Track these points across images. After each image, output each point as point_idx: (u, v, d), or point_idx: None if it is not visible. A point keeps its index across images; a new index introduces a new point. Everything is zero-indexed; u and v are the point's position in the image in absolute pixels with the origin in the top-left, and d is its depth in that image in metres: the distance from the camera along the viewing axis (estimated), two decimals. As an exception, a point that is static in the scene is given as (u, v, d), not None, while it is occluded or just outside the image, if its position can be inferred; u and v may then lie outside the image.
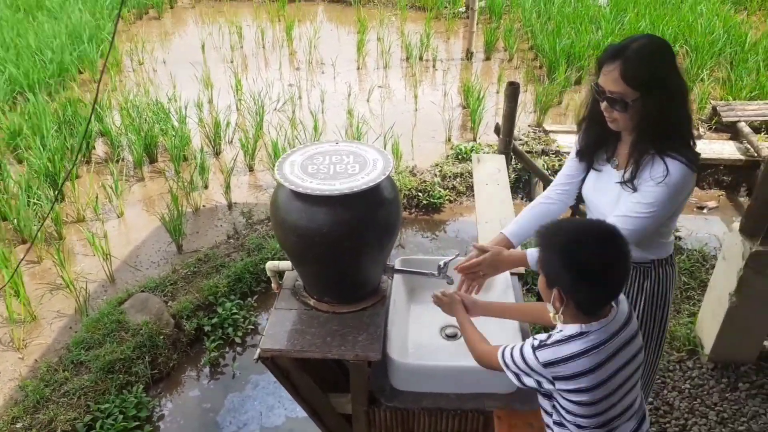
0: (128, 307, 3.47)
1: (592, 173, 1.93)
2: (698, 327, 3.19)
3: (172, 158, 5.03)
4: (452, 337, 2.05)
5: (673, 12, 7.87)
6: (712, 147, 5.03)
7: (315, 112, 5.93)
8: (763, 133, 5.15)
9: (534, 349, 1.43)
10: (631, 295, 1.97)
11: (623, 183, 1.76)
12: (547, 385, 1.44)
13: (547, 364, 1.40)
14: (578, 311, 1.41)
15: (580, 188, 1.97)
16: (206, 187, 4.92)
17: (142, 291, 3.66)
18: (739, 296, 2.79)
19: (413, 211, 4.74)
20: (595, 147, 1.88)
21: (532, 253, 1.79)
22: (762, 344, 3.01)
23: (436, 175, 5.02)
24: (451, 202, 4.84)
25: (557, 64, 6.65)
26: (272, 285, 2.13)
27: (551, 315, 1.47)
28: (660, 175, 1.68)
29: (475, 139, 5.73)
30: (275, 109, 6.20)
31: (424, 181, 4.89)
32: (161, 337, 3.31)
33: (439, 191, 4.79)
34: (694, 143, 1.75)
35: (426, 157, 5.37)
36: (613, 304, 1.46)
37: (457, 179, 4.96)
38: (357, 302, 1.95)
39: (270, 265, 2.10)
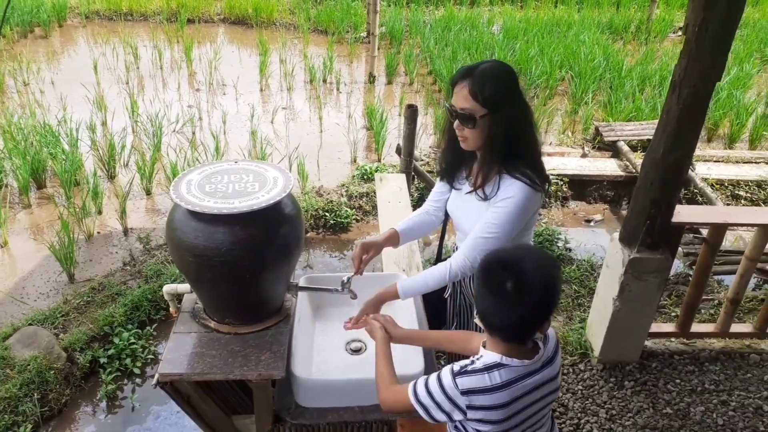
0: (14, 342, 3.22)
1: (453, 192, 2.05)
2: (588, 331, 3.41)
3: (63, 183, 4.75)
4: (357, 351, 2.07)
5: (559, 41, 8.47)
6: (596, 164, 5.44)
7: (216, 133, 5.82)
8: (639, 151, 5.64)
9: (454, 375, 1.40)
10: None
11: (482, 201, 1.87)
12: (457, 416, 1.41)
13: (466, 392, 1.38)
14: (500, 339, 1.39)
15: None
16: (100, 212, 4.68)
17: (30, 324, 3.40)
18: (621, 300, 3.02)
19: (320, 231, 4.75)
20: (454, 167, 2.00)
21: (402, 285, 1.92)
22: (643, 344, 3.27)
23: (342, 195, 5.07)
24: (357, 221, 4.89)
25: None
26: (170, 309, 2.07)
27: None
28: (506, 196, 1.78)
29: (379, 160, 5.85)
30: (174, 130, 6.03)
31: (331, 201, 4.92)
32: (51, 372, 3.09)
33: (346, 211, 4.84)
34: (541, 164, 1.85)
35: (332, 178, 5.41)
36: (540, 344, 1.45)
37: (363, 199, 5.03)
38: (260, 322, 1.93)
39: (167, 288, 2.04)
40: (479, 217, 1.85)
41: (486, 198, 1.83)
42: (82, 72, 7.37)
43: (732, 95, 6.76)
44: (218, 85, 7.42)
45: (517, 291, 1.32)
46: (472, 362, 1.42)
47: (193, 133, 5.99)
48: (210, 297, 1.90)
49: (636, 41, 9.41)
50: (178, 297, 2.08)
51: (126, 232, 4.51)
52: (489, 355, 1.41)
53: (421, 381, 1.47)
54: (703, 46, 2.43)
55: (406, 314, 2.11)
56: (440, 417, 1.43)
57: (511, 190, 1.77)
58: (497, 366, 1.39)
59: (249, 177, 1.83)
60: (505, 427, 1.42)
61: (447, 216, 2.12)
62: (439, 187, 2.11)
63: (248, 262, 1.72)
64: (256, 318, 1.93)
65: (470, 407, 1.38)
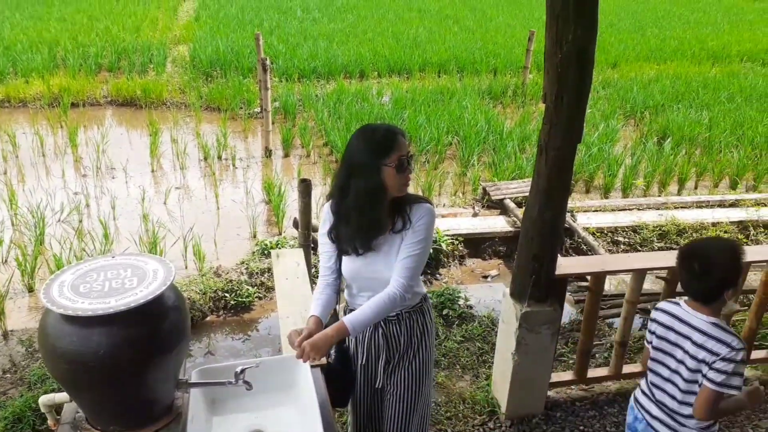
0: None
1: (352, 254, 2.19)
2: (493, 388, 3.48)
3: (-74, 288, 4.33)
4: (258, 441, 1.99)
5: (444, 108, 8.98)
6: (487, 222, 5.71)
7: (105, 219, 5.57)
8: (524, 207, 5.98)
9: (735, 347, 1.96)
10: (415, 335, 2.29)
11: (397, 233, 2.13)
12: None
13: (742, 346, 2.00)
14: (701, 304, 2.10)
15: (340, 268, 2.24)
16: (-27, 316, 4.29)
17: None
18: (519, 354, 3.12)
19: (221, 313, 4.60)
20: (385, 221, 2.17)
21: (350, 319, 2.06)
22: (546, 395, 3.38)
23: (242, 273, 4.96)
24: (260, 299, 4.79)
25: (350, 157, 7.11)
26: (49, 422, 1.91)
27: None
28: (421, 215, 2.13)
29: (280, 233, 5.81)
30: (59, 220, 5.71)
31: (231, 281, 4.79)
32: None
33: (247, 289, 4.73)
34: None
35: (232, 256, 5.30)
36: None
37: (265, 275, 4.95)
38: (147, 425, 1.81)
39: (44, 399, 1.89)
40: (394, 251, 2.12)
41: (403, 228, 2.12)
42: (-49, 164, 6.88)
43: (602, 149, 7.41)
44: (107, 169, 7.16)
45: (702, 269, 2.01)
46: (723, 329, 2.02)
47: (80, 222, 5.69)
48: (91, 405, 1.77)
49: (513, 104, 10.14)
50: (57, 407, 1.92)
51: (5, 335, 4.14)
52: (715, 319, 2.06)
53: (734, 380, 1.97)
54: (561, 113, 2.68)
55: (302, 378, 2.09)
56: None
57: (422, 211, 2.14)
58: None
59: (127, 272, 1.76)
60: None
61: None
62: (330, 253, 2.25)
63: (128, 363, 1.63)
64: (143, 422, 1.81)
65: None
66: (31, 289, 4.68)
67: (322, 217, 2.27)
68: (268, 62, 7.61)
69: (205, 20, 14.86)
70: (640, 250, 5.47)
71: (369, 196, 2.06)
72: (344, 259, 2.23)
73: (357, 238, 2.13)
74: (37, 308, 4.49)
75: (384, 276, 2.14)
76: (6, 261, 5.04)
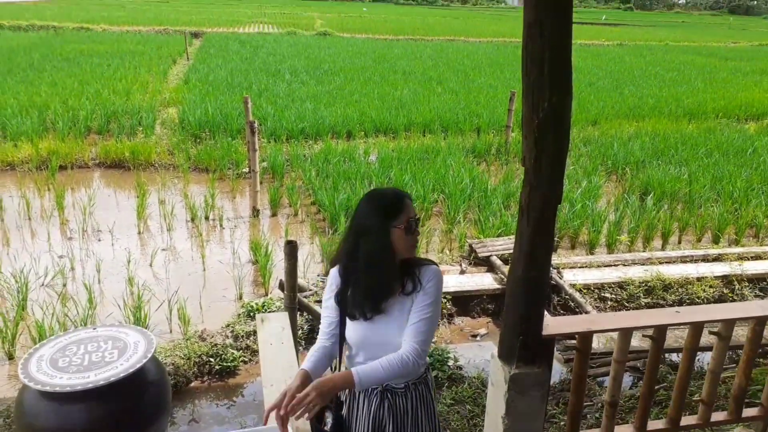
0: None
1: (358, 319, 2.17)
2: (484, 452, 3.40)
3: None
4: None
5: (429, 166, 9.12)
6: (474, 279, 5.72)
7: (90, 283, 5.51)
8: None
9: None
10: (421, 409, 2.26)
11: (407, 296, 2.13)
12: None
13: None
14: None
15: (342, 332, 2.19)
16: (-51, 386, 4.17)
17: None
18: (509, 418, 3.07)
19: (205, 378, 4.51)
20: (395, 283, 2.17)
21: (359, 371, 1.97)
22: (537, 458, 3.30)
23: (227, 336, 4.89)
24: (246, 362, 4.71)
25: (338, 216, 7.17)
26: (22, 502, 1.84)
27: None
28: (429, 278, 2.15)
29: (267, 294, 5.77)
30: (43, 284, 5.64)
31: (216, 345, 4.72)
32: None
33: (233, 353, 4.65)
34: None
35: (217, 318, 5.24)
36: None
37: (251, 338, 4.88)
38: (125, 504, 1.76)
39: (18, 478, 1.82)
40: (405, 314, 2.12)
41: (414, 290, 2.13)
42: (-66, 229, 6.83)
43: (585, 205, 7.52)
44: (93, 231, 7.13)
45: None
46: None
47: (64, 286, 5.63)
48: (66, 483, 1.72)
49: (497, 162, 10.33)
50: (31, 486, 1.85)
51: (-19, 406, 4.02)
52: None
53: None
54: (541, 176, 2.74)
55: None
56: None
57: (431, 273, 2.16)
58: None
59: (108, 345, 1.75)
60: None
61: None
62: (332, 318, 2.23)
63: (107, 440, 1.60)
64: (121, 500, 1.75)
65: None
66: (11, 357, 4.57)
67: (328, 281, 2.28)
68: (256, 125, 7.75)
69: (194, 83, 15.17)
70: (627, 307, 5.49)
71: (378, 258, 2.09)
72: (350, 324, 2.21)
73: (366, 302, 2.13)
74: (17, 377, 4.38)
75: (394, 341, 2.13)
76: (-14, 328, 4.93)
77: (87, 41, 23.41)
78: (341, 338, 2.23)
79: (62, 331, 4.61)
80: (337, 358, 2.28)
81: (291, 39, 28.60)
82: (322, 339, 2.24)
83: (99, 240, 6.91)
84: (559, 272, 5.69)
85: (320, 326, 2.29)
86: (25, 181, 8.56)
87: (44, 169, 9.05)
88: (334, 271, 2.25)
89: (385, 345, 2.13)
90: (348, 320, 2.21)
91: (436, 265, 2.24)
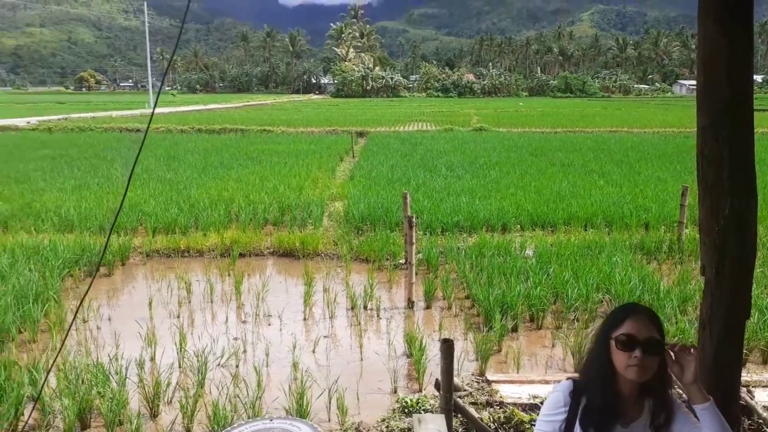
0: None
1: None
2: None
3: (107, 423, 4.79)
4: None
5: (592, 263, 8.69)
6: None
7: (259, 366, 5.91)
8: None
9: None
10: None
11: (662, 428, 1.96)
12: None
13: None
14: None
15: None
16: (139, 456, 4.62)
17: None
18: None
19: (359, 473, 4.52)
20: (612, 412, 1.98)
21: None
22: None
23: (383, 431, 4.91)
24: (400, 462, 4.66)
25: (492, 312, 7.04)
26: None
27: None
28: (694, 422, 1.96)
29: (420, 390, 5.75)
30: (219, 364, 6.16)
31: (371, 439, 4.76)
32: None
33: (387, 450, 4.64)
34: None
35: (372, 410, 5.30)
36: None
37: (405, 435, 4.85)
38: None
39: None
40: None
41: (665, 425, 1.97)
42: (137, 308, 7.84)
43: (779, 312, 6.62)
44: (264, 316, 7.72)
45: None
46: None
47: (237, 367, 6.10)
48: None
49: (670, 261, 9.55)
50: None
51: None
52: None
53: None
54: (724, 287, 2.52)
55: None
56: None
57: (690, 423, 1.97)
58: None
59: (283, 437, 1.87)
60: None
61: None
62: None
63: None
64: None
65: None
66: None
67: (555, 396, 2.09)
68: (414, 219, 8.05)
69: (359, 179, 16.27)
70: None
71: (597, 372, 1.98)
72: None
73: (590, 421, 1.98)
74: (193, 452, 4.75)
75: None
76: (170, 402, 5.46)
77: (268, 142, 26.51)
78: None
79: (233, 412, 4.96)
80: None
81: (448, 135, 29.84)
82: None
83: (269, 324, 7.44)
84: (749, 392, 4.99)
85: None
86: (211, 267, 9.61)
87: (227, 256, 10.10)
88: (567, 385, 2.06)
89: None
90: None
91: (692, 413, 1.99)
